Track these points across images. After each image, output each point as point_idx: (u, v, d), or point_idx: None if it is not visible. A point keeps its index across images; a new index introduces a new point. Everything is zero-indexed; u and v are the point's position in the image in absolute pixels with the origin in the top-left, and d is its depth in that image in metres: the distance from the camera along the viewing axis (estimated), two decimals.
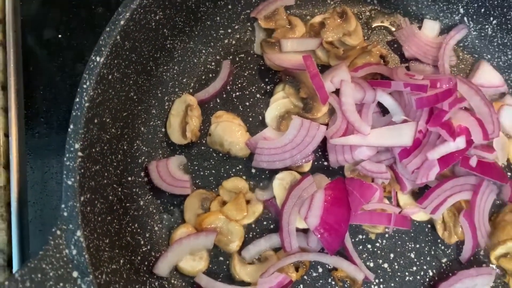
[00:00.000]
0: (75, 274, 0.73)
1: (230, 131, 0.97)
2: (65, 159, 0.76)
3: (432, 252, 0.96)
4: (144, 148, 0.98)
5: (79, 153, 0.77)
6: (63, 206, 0.75)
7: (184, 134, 0.96)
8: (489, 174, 0.92)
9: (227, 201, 0.96)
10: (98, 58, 0.80)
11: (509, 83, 1.06)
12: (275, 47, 1.02)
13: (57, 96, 1.06)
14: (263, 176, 0.99)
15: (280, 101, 1.01)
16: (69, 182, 0.75)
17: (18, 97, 1.05)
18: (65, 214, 0.74)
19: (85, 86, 0.79)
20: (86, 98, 0.78)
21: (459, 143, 0.88)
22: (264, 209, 0.97)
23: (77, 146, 0.77)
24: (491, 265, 0.95)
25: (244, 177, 0.99)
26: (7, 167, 1.02)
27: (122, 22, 0.82)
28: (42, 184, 1.01)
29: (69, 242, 0.73)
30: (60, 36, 1.09)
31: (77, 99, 0.78)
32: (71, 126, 0.77)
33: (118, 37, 0.82)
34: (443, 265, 0.96)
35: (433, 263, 0.96)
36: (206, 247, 0.92)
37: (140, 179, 0.96)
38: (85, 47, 1.09)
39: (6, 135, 1.04)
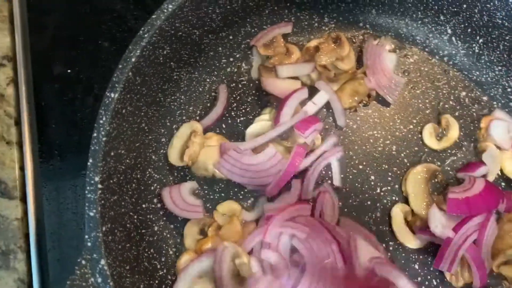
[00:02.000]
0: None
1: (211, 155, 1.01)
2: (86, 191, 0.80)
3: (445, 280, 0.99)
4: (155, 175, 1.02)
5: (99, 185, 0.81)
6: (86, 237, 0.79)
7: (182, 157, 1.00)
8: (490, 204, 0.94)
9: (222, 225, 0.99)
10: (112, 94, 0.85)
11: (497, 98, 1.12)
12: (272, 72, 1.08)
13: (69, 128, 1.11)
14: (252, 197, 1.03)
15: (264, 122, 1.06)
16: (91, 214, 0.80)
17: (32, 131, 1.09)
18: (89, 244, 0.78)
19: (101, 121, 0.84)
20: (103, 133, 0.83)
21: None
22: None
23: (97, 179, 0.81)
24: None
25: (237, 198, 1.03)
26: (23, 199, 1.06)
27: (133, 59, 0.87)
28: (58, 215, 1.05)
29: (94, 270, 0.77)
30: (69, 71, 1.14)
31: (95, 134, 0.83)
32: (90, 160, 0.82)
33: (130, 73, 0.87)
34: None
35: None
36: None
37: (153, 206, 1.00)
38: (93, 80, 1.14)
39: (22, 169, 1.08)
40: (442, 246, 0.95)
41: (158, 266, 0.97)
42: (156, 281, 0.94)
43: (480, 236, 0.93)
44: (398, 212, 1.00)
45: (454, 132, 1.06)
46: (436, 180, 1.03)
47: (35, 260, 1.03)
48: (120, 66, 0.87)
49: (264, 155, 0.99)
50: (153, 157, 1.02)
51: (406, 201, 1.02)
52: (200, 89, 1.09)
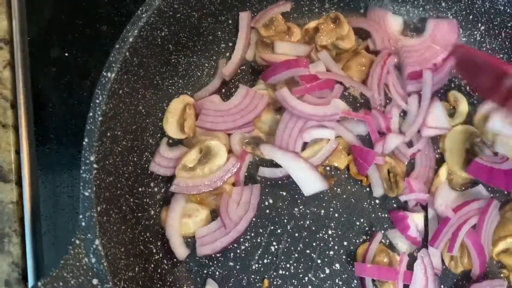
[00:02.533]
0: (95, 281, 0.76)
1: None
2: (81, 171, 0.79)
3: (444, 267, 0.98)
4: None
5: (95, 165, 0.80)
6: (80, 216, 0.78)
7: (182, 130, 1.01)
8: (509, 185, 0.94)
9: None
10: (109, 74, 0.84)
11: None
12: (269, 48, 1.07)
13: (65, 112, 1.09)
14: None
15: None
16: (86, 193, 0.78)
17: (28, 114, 1.08)
18: (83, 224, 0.77)
19: (97, 101, 0.83)
20: (99, 113, 0.82)
21: None
22: None
23: (92, 158, 0.80)
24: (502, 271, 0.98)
25: None
26: (19, 183, 1.05)
27: (130, 39, 0.86)
28: (54, 199, 1.04)
29: (88, 250, 0.76)
30: (66, 54, 1.13)
31: (91, 114, 0.82)
32: (86, 140, 0.81)
33: (127, 53, 0.86)
34: (455, 279, 0.98)
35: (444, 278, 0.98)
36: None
37: (150, 190, 0.99)
38: (91, 64, 1.13)
39: (18, 152, 1.07)
40: (439, 225, 0.94)
41: (154, 250, 0.96)
42: (152, 265, 0.93)
43: (480, 222, 0.92)
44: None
45: (463, 106, 1.05)
46: (473, 142, 1.02)
47: (29, 243, 1.01)
48: (117, 46, 0.86)
49: (239, 95, 1.02)
50: (150, 140, 1.01)
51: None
52: (199, 74, 1.08)
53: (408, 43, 1.09)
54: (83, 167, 0.79)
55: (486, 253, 0.93)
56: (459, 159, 1.01)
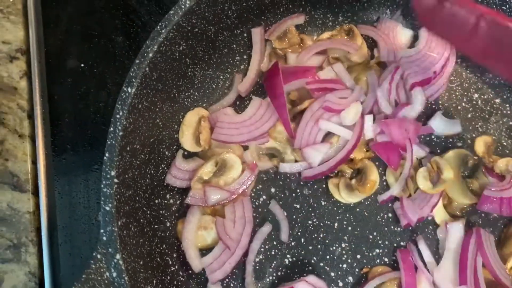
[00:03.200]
0: None
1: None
2: (102, 186, 0.80)
3: None
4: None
5: (115, 180, 0.81)
6: (102, 231, 0.79)
7: (198, 143, 1.02)
8: None
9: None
10: (129, 89, 0.85)
11: (510, 101, 1.11)
12: (282, 59, 1.08)
13: (81, 123, 1.11)
14: None
15: None
16: (107, 208, 0.80)
17: (44, 125, 1.09)
18: (104, 238, 0.79)
19: (118, 116, 0.84)
20: (120, 128, 0.83)
21: None
22: None
23: (113, 173, 0.81)
24: None
25: None
26: (36, 193, 1.06)
27: (150, 55, 0.87)
28: (70, 209, 1.05)
29: (109, 265, 0.78)
30: (82, 65, 1.14)
31: (111, 129, 0.83)
32: (107, 155, 0.82)
33: (147, 68, 0.87)
34: None
35: None
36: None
37: (166, 201, 1.00)
38: (107, 75, 1.14)
39: (34, 162, 1.08)
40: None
41: (170, 262, 0.97)
42: (168, 277, 0.94)
43: (485, 259, 0.92)
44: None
45: (447, 174, 0.99)
46: (467, 165, 1.03)
47: (46, 253, 1.03)
48: (137, 61, 0.87)
49: (253, 107, 1.04)
50: (167, 152, 1.02)
51: None
52: (214, 86, 1.09)
53: (406, 54, 1.10)
54: (104, 182, 0.81)
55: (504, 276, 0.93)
56: (459, 187, 1.01)
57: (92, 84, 1.13)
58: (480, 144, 1.05)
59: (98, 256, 0.78)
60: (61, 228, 1.04)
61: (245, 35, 1.10)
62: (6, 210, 1.04)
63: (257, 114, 1.03)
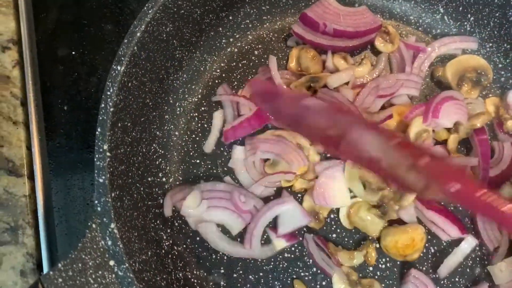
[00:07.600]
0: (111, 262, 0.79)
1: None
2: (95, 159, 0.83)
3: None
4: (160, 151, 1.05)
5: (108, 153, 0.84)
6: (96, 202, 0.81)
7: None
8: None
9: None
10: (119, 67, 0.88)
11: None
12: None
13: (74, 108, 1.13)
14: None
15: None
16: (101, 180, 0.82)
17: (38, 111, 1.12)
18: (99, 209, 0.81)
19: (109, 92, 0.87)
20: (110, 104, 0.86)
21: None
22: None
23: (105, 147, 0.84)
24: None
25: None
26: (31, 177, 1.09)
27: (138, 34, 0.90)
28: (65, 191, 1.08)
29: (104, 234, 0.80)
30: (73, 53, 1.17)
31: (102, 105, 0.86)
32: (99, 129, 0.84)
33: (135, 47, 0.90)
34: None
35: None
36: None
37: (158, 180, 1.03)
38: (97, 62, 1.17)
39: (29, 148, 1.10)
40: None
41: (164, 237, 0.99)
42: (163, 251, 0.97)
43: None
44: None
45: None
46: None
47: (43, 235, 1.05)
48: (125, 40, 0.90)
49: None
50: (157, 132, 1.05)
51: None
52: (201, 69, 1.12)
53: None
54: (97, 155, 0.83)
55: None
56: None
57: (83, 71, 1.16)
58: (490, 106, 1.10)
59: (93, 225, 0.80)
60: (57, 209, 1.06)
61: (230, 17, 1.13)
62: (2, 194, 1.06)
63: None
